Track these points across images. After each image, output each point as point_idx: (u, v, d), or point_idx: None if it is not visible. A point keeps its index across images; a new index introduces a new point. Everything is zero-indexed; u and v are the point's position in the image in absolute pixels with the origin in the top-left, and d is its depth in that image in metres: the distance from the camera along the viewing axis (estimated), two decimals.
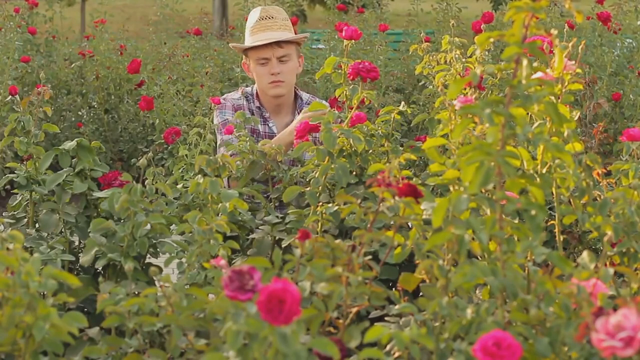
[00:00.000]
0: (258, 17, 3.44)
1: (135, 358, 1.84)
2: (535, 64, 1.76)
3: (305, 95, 3.56)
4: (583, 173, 2.03)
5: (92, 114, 7.32)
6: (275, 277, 1.46)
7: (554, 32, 1.97)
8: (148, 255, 2.33)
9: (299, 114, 3.45)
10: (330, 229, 2.46)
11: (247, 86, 3.58)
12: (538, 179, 1.79)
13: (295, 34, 3.52)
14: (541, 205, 1.72)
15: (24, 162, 2.62)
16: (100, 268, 2.33)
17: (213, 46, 8.78)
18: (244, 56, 3.52)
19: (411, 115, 2.99)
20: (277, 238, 2.52)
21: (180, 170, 2.78)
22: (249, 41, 3.45)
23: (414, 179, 2.23)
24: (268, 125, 3.48)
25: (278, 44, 3.39)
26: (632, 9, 7.03)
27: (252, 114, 3.45)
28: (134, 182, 2.28)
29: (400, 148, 2.67)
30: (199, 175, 2.29)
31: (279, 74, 3.40)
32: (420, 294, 1.87)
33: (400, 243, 1.92)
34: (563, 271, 1.70)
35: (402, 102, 2.76)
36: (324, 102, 3.50)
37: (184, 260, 2.09)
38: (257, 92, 3.52)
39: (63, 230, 2.53)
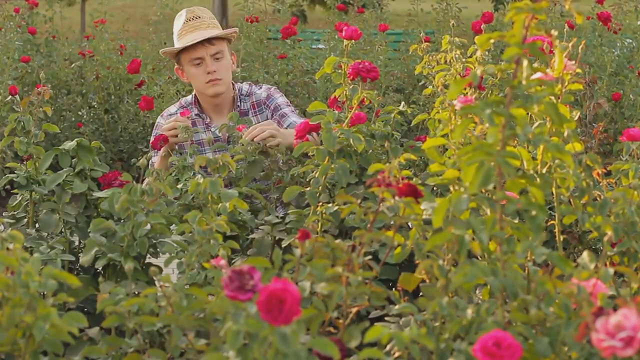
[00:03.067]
0: (185, 19, 3.38)
1: (135, 358, 1.83)
2: (535, 64, 1.76)
3: (245, 87, 3.47)
4: (583, 173, 2.03)
5: (92, 114, 7.31)
6: (275, 277, 1.46)
7: (554, 32, 1.97)
8: (148, 255, 2.33)
9: (239, 109, 3.41)
10: (330, 229, 2.46)
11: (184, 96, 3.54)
12: (538, 179, 1.79)
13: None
14: (541, 206, 1.72)
15: (24, 162, 2.61)
16: (100, 268, 2.33)
17: None
18: (176, 63, 3.45)
19: (411, 115, 2.99)
20: (277, 238, 2.52)
21: (172, 174, 2.77)
22: (178, 44, 3.38)
23: (414, 179, 2.23)
24: (211, 131, 3.41)
25: (209, 41, 3.33)
26: (632, 9, 7.02)
27: (194, 124, 3.38)
28: (134, 182, 2.28)
29: (400, 148, 2.67)
30: (199, 175, 2.29)
31: (215, 72, 3.34)
32: (420, 294, 1.87)
33: (400, 243, 1.92)
34: (563, 271, 1.70)
35: (402, 102, 2.76)
36: (271, 88, 3.45)
37: (183, 260, 2.09)
38: (195, 99, 3.45)
39: (63, 230, 2.53)
